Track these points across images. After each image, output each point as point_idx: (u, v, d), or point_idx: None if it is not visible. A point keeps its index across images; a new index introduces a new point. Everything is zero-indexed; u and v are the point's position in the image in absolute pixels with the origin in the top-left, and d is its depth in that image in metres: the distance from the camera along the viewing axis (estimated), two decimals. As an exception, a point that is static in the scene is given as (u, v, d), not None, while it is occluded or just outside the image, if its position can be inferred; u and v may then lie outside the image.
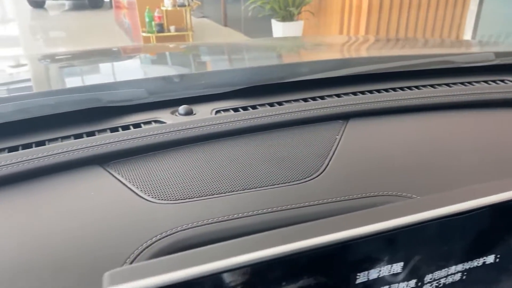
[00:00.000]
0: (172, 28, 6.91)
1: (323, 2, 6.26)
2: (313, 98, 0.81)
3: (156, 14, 6.67)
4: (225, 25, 8.80)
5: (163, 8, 6.75)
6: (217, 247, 0.32)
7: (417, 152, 0.68)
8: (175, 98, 0.80)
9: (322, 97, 0.82)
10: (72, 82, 1.12)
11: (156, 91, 0.82)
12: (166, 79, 0.91)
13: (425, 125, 0.75)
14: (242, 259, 0.30)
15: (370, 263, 0.35)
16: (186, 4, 6.93)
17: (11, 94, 0.91)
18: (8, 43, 7.64)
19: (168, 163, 0.62)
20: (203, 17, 9.82)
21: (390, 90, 0.84)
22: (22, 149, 0.64)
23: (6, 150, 0.64)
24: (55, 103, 0.75)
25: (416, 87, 0.87)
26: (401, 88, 0.86)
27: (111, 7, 10.15)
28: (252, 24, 7.27)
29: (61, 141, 0.66)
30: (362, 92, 0.84)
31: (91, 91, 0.80)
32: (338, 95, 0.83)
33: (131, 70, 1.26)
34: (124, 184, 0.58)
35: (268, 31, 6.41)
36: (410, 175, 0.62)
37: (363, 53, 1.51)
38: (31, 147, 0.64)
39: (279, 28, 6.12)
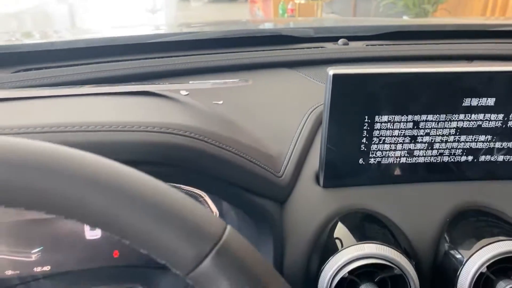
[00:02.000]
0: (302, 21, 7.24)
1: (463, 0, 5.97)
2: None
3: (289, 7, 7.07)
4: (353, 22, 8.84)
5: (297, 2, 7.13)
6: None
7: None
8: (334, 35, 1.05)
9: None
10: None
11: (321, 32, 1.09)
12: (328, 22, 1.19)
13: None
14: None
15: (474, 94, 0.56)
16: (319, -2, 7.21)
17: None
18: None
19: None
20: (332, 13, 9.99)
21: None
22: None
23: None
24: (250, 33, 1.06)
25: None
26: None
27: (246, 0, 10.94)
28: (382, 21, 7.21)
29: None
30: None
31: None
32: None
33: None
34: (305, 77, 0.85)
35: (398, 28, 6.32)
36: None
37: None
38: None
39: (410, 26, 6.00)
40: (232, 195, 0.58)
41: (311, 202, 0.63)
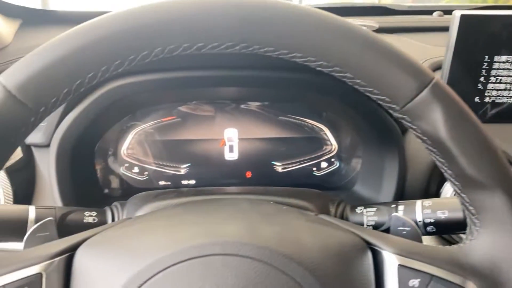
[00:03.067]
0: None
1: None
2: None
3: None
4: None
5: None
6: None
7: None
8: (429, 10, 1.13)
9: None
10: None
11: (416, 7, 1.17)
12: None
13: None
14: None
15: None
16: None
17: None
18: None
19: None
20: None
21: None
22: None
23: None
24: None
25: None
26: None
27: None
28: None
29: None
30: None
31: None
32: None
33: None
34: (409, 40, 0.94)
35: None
36: None
37: None
38: None
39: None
40: (371, 112, 0.67)
41: None
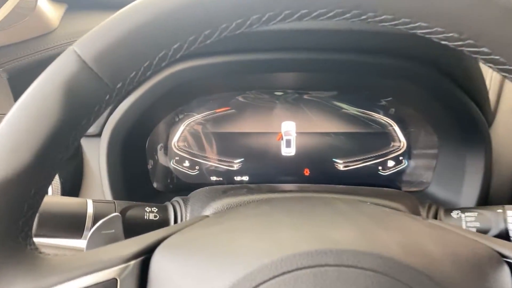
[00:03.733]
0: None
1: None
2: None
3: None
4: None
5: None
6: None
7: None
8: None
9: None
10: None
11: None
12: None
13: None
14: None
15: None
16: None
17: None
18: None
19: None
20: None
21: None
22: None
23: None
24: None
25: None
26: None
27: None
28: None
29: None
30: None
31: None
32: None
33: None
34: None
35: None
36: None
37: None
38: None
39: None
40: (455, 100, 0.60)
41: None
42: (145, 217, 0.49)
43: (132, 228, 0.47)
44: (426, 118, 0.69)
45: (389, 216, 0.37)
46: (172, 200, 0.54)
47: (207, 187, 0.56)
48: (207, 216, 0.41)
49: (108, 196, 0.63)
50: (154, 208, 0.50)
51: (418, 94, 0.64)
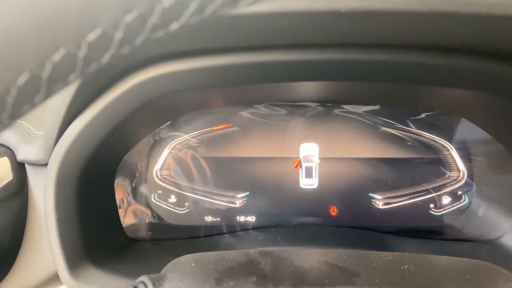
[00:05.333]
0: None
1: None
2: None
3: None
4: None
5: None
6: None
7: None
8: None
9: None
10: None
11: None
12: None
13: None
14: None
15: None
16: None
17: None
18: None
19: None
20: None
21: None
22: None
23: None
24: None
25: None
26: None
27: None
28: None
29: None
30: None
31: None
32: None
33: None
34: None
35: None
36: None
37: None
38: None
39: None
40: None
41: None
42: None
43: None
44: (500, 139, 0.50)
45: None
46: (137, 281, 0.35)
47: (190, 258, 0.36)
48: None
49: (59, 256, 0.44)
50: None
51: (495, 106, 0.45)
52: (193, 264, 0.35)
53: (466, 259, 0.37)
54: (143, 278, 0.34)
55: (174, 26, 0.14)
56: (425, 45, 0.37)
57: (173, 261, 0.36)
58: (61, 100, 0.41)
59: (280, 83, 0.46)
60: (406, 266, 0.35)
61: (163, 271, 0.36)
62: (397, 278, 0.33)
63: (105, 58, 0.14)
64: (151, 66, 0.38)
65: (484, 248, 0.51)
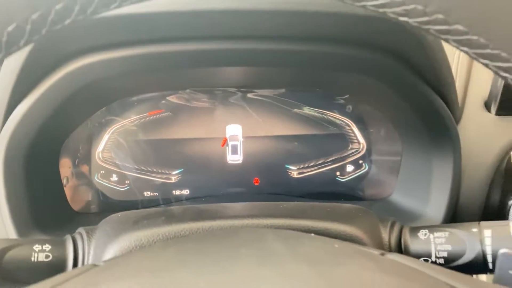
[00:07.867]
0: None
1: None
2: None
3: None
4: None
5: None
6: None
7: None
8: None
9: None
10: None
11: None
12: None
13: None
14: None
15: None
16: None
17: None
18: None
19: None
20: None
21: None
22: None
23: None
24: None
25: None
26: None
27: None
28: None
29: None
30: None
31: None
32: None
33: None
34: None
35: None
36: None
37: None
38: None
39: None
40: (419, 95, 0.51)
41: (484, 128, 0.58)
42: (32, 258, 0.37)
43: (13, 274, 0.35)
44: (388, 116, 0.61)
45: (332, 258, 0.28)
46: (75, 232, 0.43)
47: (118, 214, 0.44)
48: (96, 266, 0.30)
49: (10, 226, 0.51)
50: (47, 245, 0.39)
51: (378, 89, 0.56)
52: (119, 215, 0.43)
53: (345, 204, 0.47)
54: (80, 229, 0.42)
55: (67, 21, 0.22)
56: (304, 36, 0.47)
57: (106, 218, 0.44)
58: (4, 88, 0.48)
59: (199, 69, 0.54)
60: (286, 205, 0.44)
61: (98, 225, 0.43)
62: (276, 211, 0.42)
63: (22, 43, 0.21)
64: (81, 56, 0.46)
65: (376, 204, 0.62)
